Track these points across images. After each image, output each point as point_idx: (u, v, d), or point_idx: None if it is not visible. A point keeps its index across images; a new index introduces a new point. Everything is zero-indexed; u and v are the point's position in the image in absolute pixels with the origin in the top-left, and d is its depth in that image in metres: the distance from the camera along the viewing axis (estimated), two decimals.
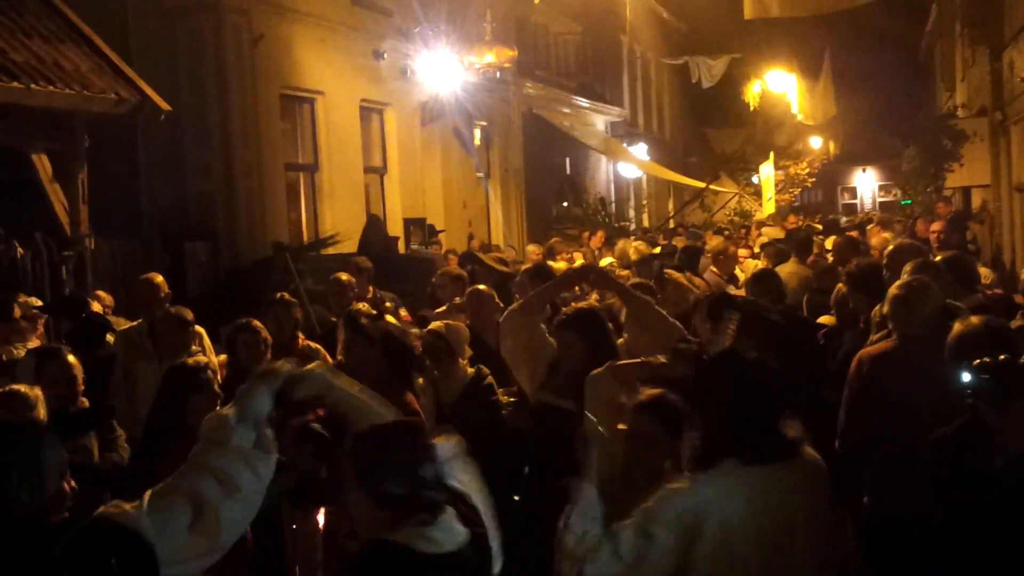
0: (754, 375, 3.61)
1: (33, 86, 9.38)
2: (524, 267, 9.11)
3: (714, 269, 11.20)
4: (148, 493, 2.88)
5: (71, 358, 5.82)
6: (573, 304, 6.19)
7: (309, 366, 3.30)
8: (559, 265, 10.96)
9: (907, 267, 6.36)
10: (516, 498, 5.41)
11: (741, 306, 5.68)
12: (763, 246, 13.44)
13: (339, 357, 6.45)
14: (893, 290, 5.54)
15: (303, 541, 5.43)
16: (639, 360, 4.82)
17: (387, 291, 10.06)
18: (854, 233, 15.17)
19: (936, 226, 13.84)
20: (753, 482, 3.46)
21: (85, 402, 5.82)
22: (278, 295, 7.79)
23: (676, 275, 8.34)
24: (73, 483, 3.06)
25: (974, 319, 4.55)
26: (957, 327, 4.49)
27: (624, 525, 3.40)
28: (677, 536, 3.36)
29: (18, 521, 2.75)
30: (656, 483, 3.65)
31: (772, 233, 17.27)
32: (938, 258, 7.20)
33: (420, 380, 6.49)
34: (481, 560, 3.10)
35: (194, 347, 7.49)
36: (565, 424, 4.80)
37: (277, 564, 5.58)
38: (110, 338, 7.79)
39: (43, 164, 10.14)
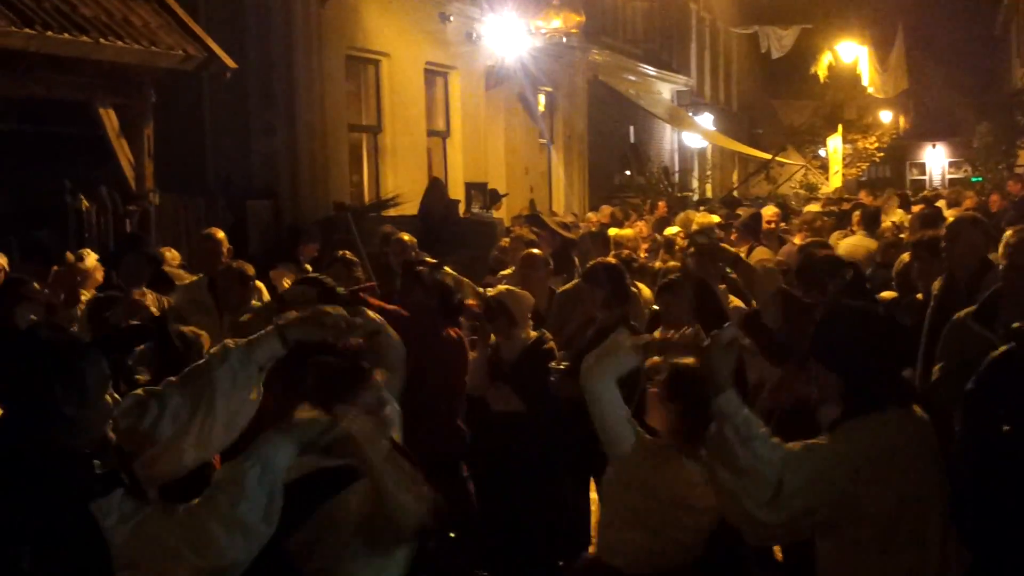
0: (885, 324, 3.74)
1: (102, 40, 9.42)
2: (584, 231, 9.05)
3: (763, 247, 10.42)
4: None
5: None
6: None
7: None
8: (626, 232, 10.71)
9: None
10: None
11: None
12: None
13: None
14: None
15: None
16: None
17: (448, 255, 10.03)
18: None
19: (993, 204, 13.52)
20: (915, 424, 3.56)
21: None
22: (340, 253, 7.78)
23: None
24: (116, 395, 3.39)
25: None
26: None
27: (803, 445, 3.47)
28: (855, 471, 3.40)
29: (59, 439, 2.86)
30: None
31: (813, 208, 16.72)
32: None
33: (492, 338, 6.59)
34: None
35: (254, 302, 7.52)
36: None
37: None
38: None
39: (110, 119, 10.22)
